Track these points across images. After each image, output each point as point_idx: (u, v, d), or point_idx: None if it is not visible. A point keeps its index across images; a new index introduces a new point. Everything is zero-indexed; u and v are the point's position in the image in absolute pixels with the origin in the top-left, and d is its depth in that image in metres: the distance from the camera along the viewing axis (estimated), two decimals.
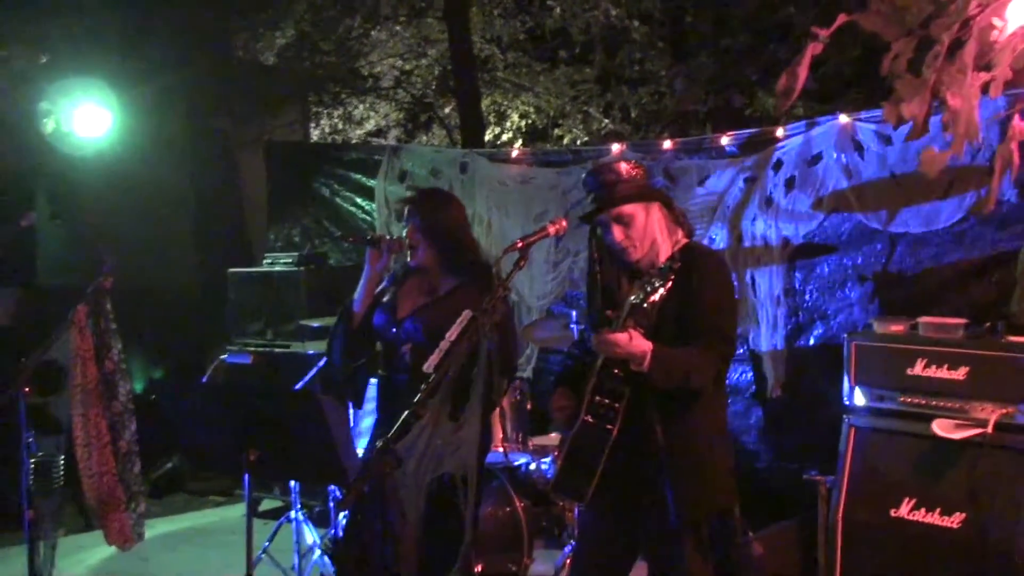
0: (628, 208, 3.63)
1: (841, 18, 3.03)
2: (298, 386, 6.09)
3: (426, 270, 4.39)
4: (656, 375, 3.48)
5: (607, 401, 3.57)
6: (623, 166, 3.68)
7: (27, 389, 4.37)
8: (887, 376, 4.83)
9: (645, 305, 3.48)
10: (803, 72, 2.93)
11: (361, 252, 7.95)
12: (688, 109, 9.86)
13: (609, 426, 3.55)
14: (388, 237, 4.40)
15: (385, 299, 4.47)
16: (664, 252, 3.65)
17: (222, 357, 7.62)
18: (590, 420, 3.59)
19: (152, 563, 6.59)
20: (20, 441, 4.49)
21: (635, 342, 3.43)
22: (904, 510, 4.67)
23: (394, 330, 4.34)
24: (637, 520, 3.70)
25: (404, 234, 4.35)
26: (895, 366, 4.80)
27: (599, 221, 3.71)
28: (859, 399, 4.91)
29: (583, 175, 3.84)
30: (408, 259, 4.39)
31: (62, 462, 4.62)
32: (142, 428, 5.14)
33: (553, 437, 6.06)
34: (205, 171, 9.60)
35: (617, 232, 3.65)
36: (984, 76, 3.02)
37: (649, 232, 3.64)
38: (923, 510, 4.61)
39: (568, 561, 5.31)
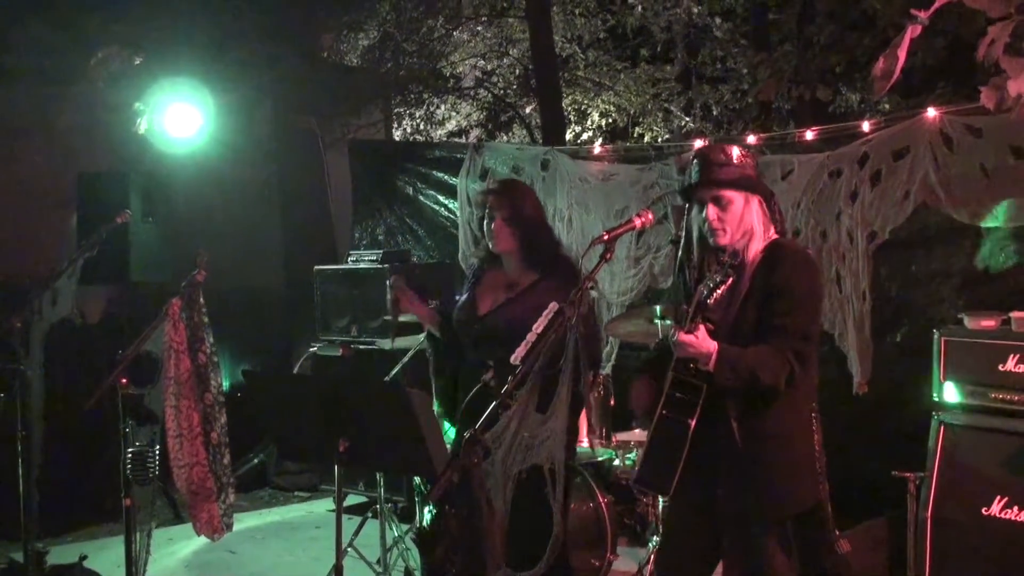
0: (728, 192, 3.57)
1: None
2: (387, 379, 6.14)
3: (507, 260, 4.42)
4: (721, 375, 3.44)
5: (684, 396, 3.54)
6: (734, 150, 3.62)
7: (124, 380, 4.48)
8: (978, 372, 4.76)
9: (710, 301, 3.43)
10: (902, 54, 2.88)
11: (442, 249, 8.12)
12: (770, 99, 9.74)
13: (687, 420, 3.51)
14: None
15: (464, 297, 4.50)
16: (755, 246, 3.60)
17: (311, 350, 7.74)
18: (668, 414, 3.57)
19: (240, 555, 6.72)
20: (117, 432, 4.60)
21: (702, 341, 3.41)
22: (996, 508, 4.60)
23: (476, 327, 4.37)
24: (719, 515, 3.66)
25: (491, 226, 4.37)
26: (986, 362, 4.73)
27: (697, 197, 3.64)
28: (949, 395, 4.84)
29: (692, 153, 3.78)
30: (490, 247, 4.43)
31: (157, 452, 4.70)
32: (227, 424, 5.22)
33: (636, 433, 6.05)
34: (292, 170, 9.73)
35: (712, 211, 3.58)
36: None
37: (744, 222, 3.58)
38: (1015, 508, 4.54)
39: (652, 557, 5.30)
